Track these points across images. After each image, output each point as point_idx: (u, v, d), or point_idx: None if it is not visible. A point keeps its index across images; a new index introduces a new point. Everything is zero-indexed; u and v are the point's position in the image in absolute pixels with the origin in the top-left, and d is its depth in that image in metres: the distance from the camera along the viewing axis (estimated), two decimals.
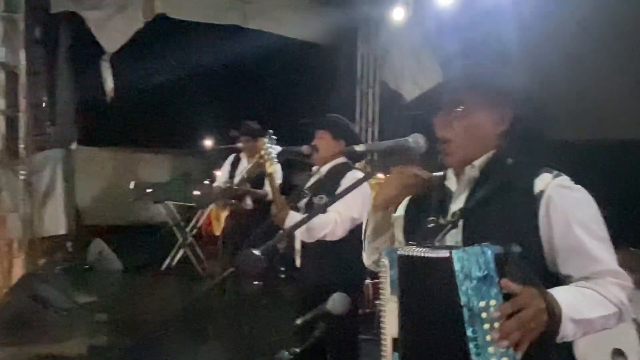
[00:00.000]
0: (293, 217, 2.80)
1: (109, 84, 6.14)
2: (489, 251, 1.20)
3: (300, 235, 2.99)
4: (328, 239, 2.88)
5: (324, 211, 2.85)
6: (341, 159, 3.13)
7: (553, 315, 1.19)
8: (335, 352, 3.03)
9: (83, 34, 6.29)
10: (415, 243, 1.51)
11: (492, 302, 1.18)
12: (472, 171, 1.52)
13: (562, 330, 1.22)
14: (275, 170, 3.02)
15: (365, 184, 3.06)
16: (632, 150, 5.03)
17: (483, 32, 5.65)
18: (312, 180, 3.20)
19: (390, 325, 1.45)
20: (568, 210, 1.37)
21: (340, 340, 2.92)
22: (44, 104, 6.70)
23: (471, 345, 1.18)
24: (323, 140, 3.12)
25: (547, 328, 1.19)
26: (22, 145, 5.76)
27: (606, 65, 5.26)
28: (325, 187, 3.01)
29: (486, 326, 1.17)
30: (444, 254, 1.26)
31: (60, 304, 4.78)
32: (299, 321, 1.74)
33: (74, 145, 7.08)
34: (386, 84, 7.60)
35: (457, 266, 1.21)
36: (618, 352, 3.77)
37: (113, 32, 6.12)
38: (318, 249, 2.97)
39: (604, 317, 1.29)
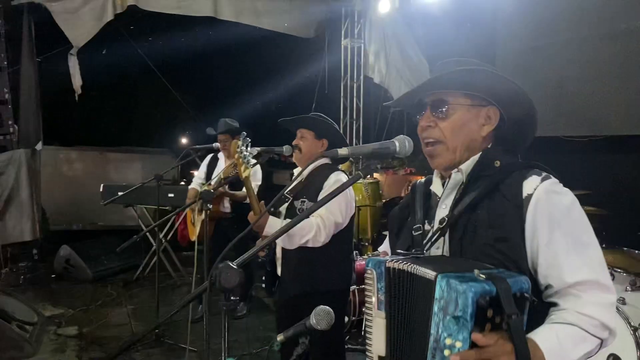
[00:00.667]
0: (273, 223, 2.75)
1: (77, 79, 6.07)
2: (471, 294, 1.17)
3: (281, 242, 2.93)
4: (310, 245, 2.82)
5: (306, 216, 2.82)
6: (324, 160, 3.09)
7: None
8: None
9: (49, 27, 6.18)
10: (403, 252, 1.52)
11: (458, 344, 1.17)
12: (458, 175, 1.53)
13: None
14: (251, 173, 2.95)
15: (349, 188, 3.05)
16: (627, 148, 5.11)
17: (468, 28, 5.71)
18: (294, 182, 3.15)
19: (377, 341, 1.46)
20: (554, 216, 1.37)
21: (325, 352, 2.88)
22: (6, 101, 6.61)
23: None
24: (305, 140, 3.08)
25: None
26: None
27: (592, 64, 5.35)
28: (308, 190, 2.97)
29: None
30: (430, 275, 1.26)
31: (24, 318, 4.70)
32: (280, 337, 1.70)
33: (39, 145, 6.97)
34: (371, 80, 7.61)
35: (437, 294, 1.22)
36: (614, 358, 3.82)
37: (81, 25, 6.09)
38: (300, 256, 2.92)
39: (587, 352, 1.32)
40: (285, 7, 7.05)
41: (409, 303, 1.36)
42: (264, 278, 5.62)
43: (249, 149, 2.92)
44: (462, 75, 1.51)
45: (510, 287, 1.20)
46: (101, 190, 6.46)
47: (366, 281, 1.48)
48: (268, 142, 3.32)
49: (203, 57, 8.99)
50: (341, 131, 7.76)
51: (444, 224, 1.49)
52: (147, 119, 9.10)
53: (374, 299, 1.45)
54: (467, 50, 5.72)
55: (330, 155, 3.00)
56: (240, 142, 2.87)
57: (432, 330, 1.23)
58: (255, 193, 4.12)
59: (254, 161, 2.97)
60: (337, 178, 2.94)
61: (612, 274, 4.26)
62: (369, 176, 6.94)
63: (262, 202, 2.91)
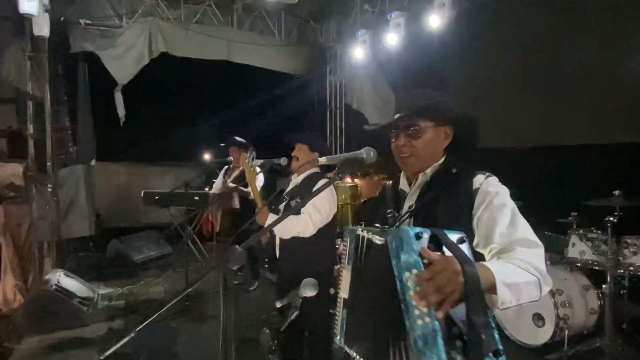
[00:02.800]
0: (271, 218, 2.76)
1: (121, 110, 6.09)
2: (411, 232, 1.17)
3: (278, 233, 2.95)
4: (301, 236, 2.83)
5: (298, 213, 2.84)
6: (315, 169, 3.06)
7: (475, 275, 1.13)
8: (311, 326, 3.01)
9: (99, 69, 6.20)
10: (376, 226, 1.54)
11: (415, 271, 1.14)
12: (424, 177, 1.57)
13: (500, 294, 1.20)
14: (257, 179, 2.97)
15: (332, 190, 3.04)
16: (543, 155, 5.16)
17: (421, 65, 5.79)
18: (290, 186, 3.17)
19: (344, 288, 1.49)
20: (494, 200, 1.42)
21: (316, 316, 2.89)
22: (67, 128, 6.62)
23: (402, 307, 1.16)
24: (301, 152, 3.06)
25: (480, 287, 1.14)
26: (49, 163, 5.71)
27: (517, 89, 5.41)
28: (301, 192, 2.95)
29: (411, 293, 1.14)
30: (382, 240, 1.27)
31: (84, 295, 4.70)
32: (278, 304, 1.72)
33: (93, 162, 6.96)
34: (350, 106, 7.66)
35: (391, 246, 1.22)
36: (538, 316, 3.86)
37: (124, 67, 6.10)
38: (293, 243, 2.92)
39: (528, 283, 1.26)
40: (284, 52, 7.10)
41: (368, 260, 1.39)
42: (266, 260, 5.66)
43: (254, 160, 2.96)
44: (428, 107, 1.55)
45: (445, 234, 1.21)
46: (142, 195, 6.44)
47: (343, 244, 1.51)
48: (272, 153, 3.34)
49: (220, 90, 9.03)
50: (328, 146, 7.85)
51: (412, 208, 1.52)
52: (178, 139, 9.09)
53: (346, 256, 1.49)
54: (423, 80, 5.80)
55: (315, 163, 3.05)
56: (247, 155, 2.92)
57: (396, 274, 1.19)
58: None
59: (259, 169, 3.02)
60: (322, 183, 2.94)
61: None
62: (349, 179, 6.99)
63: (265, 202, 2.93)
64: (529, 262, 1.30)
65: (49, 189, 5.67)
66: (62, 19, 5.79)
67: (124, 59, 6.07)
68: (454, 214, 1.43)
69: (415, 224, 1.49)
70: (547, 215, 4.46)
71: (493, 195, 1.43)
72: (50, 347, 3.94)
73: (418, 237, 1.17)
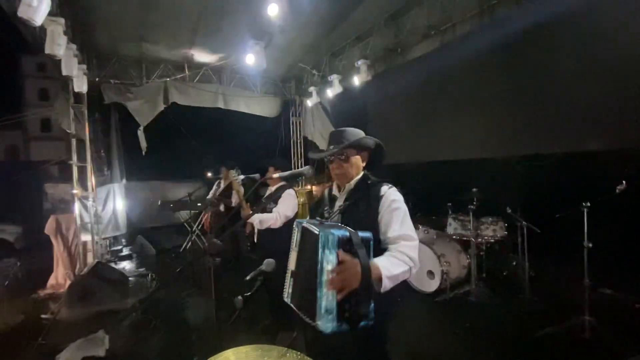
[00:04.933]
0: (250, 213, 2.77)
1: (143, 143, 5.90)
2: (336, 235, 1.21)
3: (256, 225, 2.95)
4: (272, 227, 2.86)
5: (270, 211, 2.87)
6: (283, 182, 3.06)
7: (369, 275, 1.17)
8: (273, 289, 2.98)
9: (126, 115, 5.98)
10: (316, 219, 1.55)
11: (331, 265, 1.21)
12: (349, 186, 1.60)
13: (384, 283, 1.29)
14: (240, 188, 2.97)
15: (294, 197, 3.04)
16: (426, 167, 5.39)
17: (350, 109, 6.00)
18: (267, 194, 3.19)
19: (291, 263, 1.48)
20: (392, 205, 1.46)
21: (277, 283, 2.89)
22: (103, 157, 6.33)
23: (317, 285, 1.22)
24: (271, 172, 3.08)
25: (370, 281, 1.20)
26: (89, 183, 5.47)
27: (409, 126, 5.63)
28: (273, 197, 2.99)
29: (325, 277, 1.20)
30: (317, 231, 1.27)
31: (117, 278, 4.48)
32: (247, 277, 1.71)
33: (123, 181, 6.68)
34: (306, 137, 7.75)
35: (321, 240, 1.23)
36: (430, 272, 4.02)
37: (144, 113, 5.90)
38: (267, 232, 2.93)
39: (403, 271, 1.35)
40: (260, 102, 7.07)
41: (306, 244, 1.39)
42: (249, 244, 5.53)
43: (239, 175, 2.98)
44: (354, 142, 1.58)
45: (358, 235, 1.24)
46: (159, 204, 6.24)
47: (293, 232, 1.50)
48: (250, 171, 3.33)
49: (215, 128, 8.87)
50: (292, 166, 7.88)
51: (340, 208, 1.55)
52: (185, 163, 8.85)
53: (294, 241, 1.48)
54: (351, 119, 6.00)
55: (274, 178, 3.04)
56: (233, 172, 2.94)
57: (319, 260, 1.21)
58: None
59: (242, 179, 3.02)
60: (288, 192, 2.96)
61: (427, 231, 4.39)
62: (308, 187, 7.02)
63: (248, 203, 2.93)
64: (407, 253, 1.37)
65: (90, 202, 5.40)
66: (97, 79, 5.58)
67: (144, 107, 5.88)
68: (367, 213, 1.46)
69: (342, 218, 1.51)
70: (432, 205, 4.67)
71: (391, 201, 1.46)
72: (90, 317, 3.74)
73: (339, 240, 1.21)
